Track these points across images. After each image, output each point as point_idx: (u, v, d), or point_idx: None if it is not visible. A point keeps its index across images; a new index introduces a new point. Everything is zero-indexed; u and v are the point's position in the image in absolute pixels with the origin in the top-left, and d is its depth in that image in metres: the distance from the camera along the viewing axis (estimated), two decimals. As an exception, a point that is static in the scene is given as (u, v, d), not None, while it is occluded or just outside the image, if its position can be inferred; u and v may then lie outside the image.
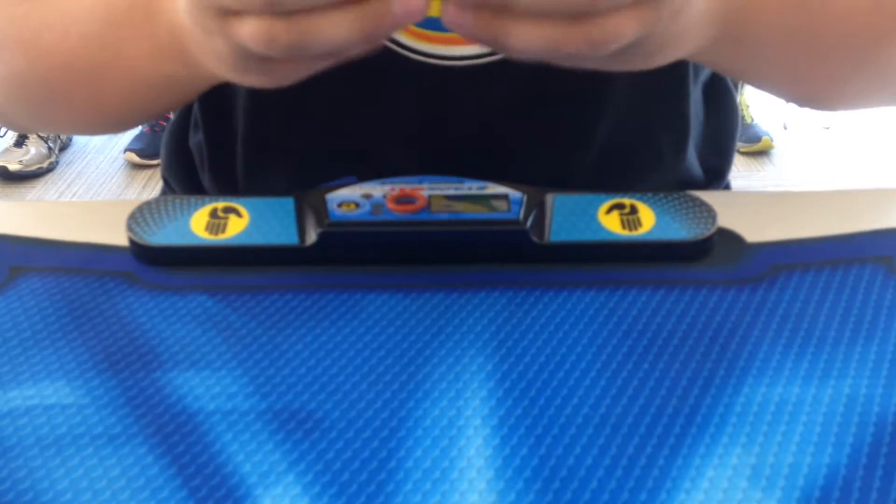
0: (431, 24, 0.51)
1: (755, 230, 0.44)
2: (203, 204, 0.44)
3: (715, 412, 0.33)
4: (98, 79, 0.45)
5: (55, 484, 0.29)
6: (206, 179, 0.61)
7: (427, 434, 0.31)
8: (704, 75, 0.59)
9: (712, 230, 0.43)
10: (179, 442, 0.31)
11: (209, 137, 0.61)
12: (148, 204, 0.44)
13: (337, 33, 0.30)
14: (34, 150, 2.06)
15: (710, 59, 0.45)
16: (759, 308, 0.39)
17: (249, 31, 0.31)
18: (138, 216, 0.43)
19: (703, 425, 0.32)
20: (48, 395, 0.33)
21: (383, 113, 0.53)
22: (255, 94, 0.54)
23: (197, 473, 0.29)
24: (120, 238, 0.43)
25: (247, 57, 0.33)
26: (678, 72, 0.54)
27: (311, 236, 0.42)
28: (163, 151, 0.65)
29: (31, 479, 0.29)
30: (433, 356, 0.35)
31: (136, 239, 0.42)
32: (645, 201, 0.44)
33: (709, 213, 0.44)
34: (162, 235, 0.42)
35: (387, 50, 0.51)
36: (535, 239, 0.42)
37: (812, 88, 0.47)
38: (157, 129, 2.14)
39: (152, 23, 0.41)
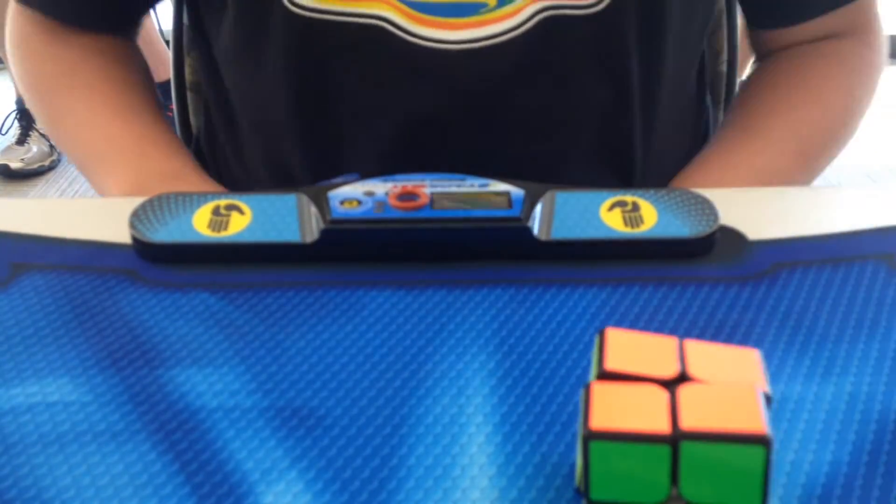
0: (429, 9, 0.52)
1: (757, 228, 0.44)
2: (206, 201, 0.44)
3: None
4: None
5: (58, 481, 0.29)
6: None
7: (429, 431, 0.31)
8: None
9: (714, 227, 0.43)
10: (182, 439, 0.31)
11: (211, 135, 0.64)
12: (150, 201, 0.44)
13: None
14: (36, 148, 2.06)
15: None
16: (761, 306, 0.39)
17: None
18: (141, 213, 0.43)
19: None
20: (51, 392, 0.33)
21: (380, 92, 0.54)
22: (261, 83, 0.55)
23: (199, 470, 0.29)
24: (122, 235, 0.43)
25: None
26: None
27: (314, 233, 0.42)
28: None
29: (34, 475, 0.29)
30: (435, 353, 0.36)
31: (138, 236, 0.42)
32: (647, 198, 0.44)
33: (711, 210, 0.43)
34: (164, 233, 0.42)
35: (385, 31, 0.52)
36: (537, 236, 0.42)
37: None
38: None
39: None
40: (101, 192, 0.57)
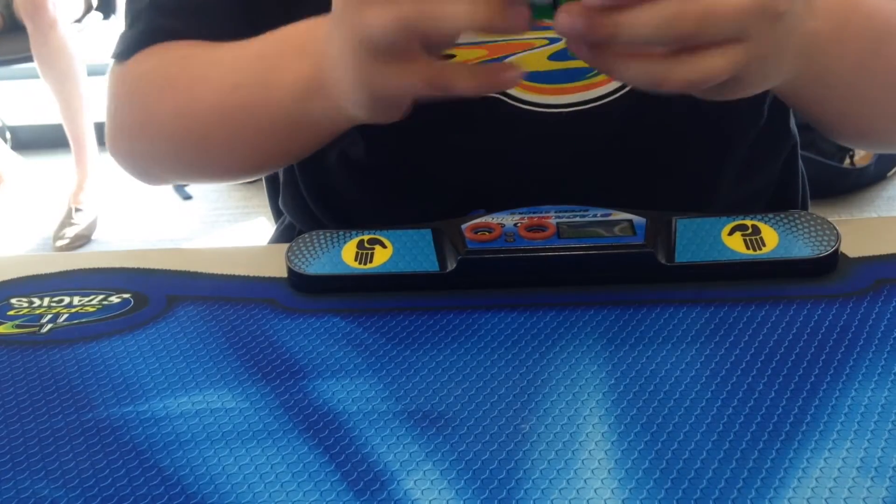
0: (538, 77, 0.55)
1: (856, 247, 0.46)
2: (351, 237, 0.48)
3: (823, 412, 0.34)
4: (241, 120, 0.50)
5: (227, 471, 0.33)
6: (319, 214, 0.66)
7: (549, 430, 0.34)
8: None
9: (836, 246, 0.44)
10: (329, 437, 0.35)
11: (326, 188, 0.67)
12: (304, 238, 0.49)
13: (456, 16, 0.35)
14: None
15: (788, 92, 0.49)
16: (864, 319, 0.40)
17: (378, 12, 0.36)
18: (295, 249, 0.48)
19: (812, 423, 0.34)
20: (213, 400, 0.38)
21: (495, 160, 0.57)
22: (372, 143, 0.59)
23: (347, 461, 0.33)
24: (259, 270, 0.48)
25: (373, 57, 0.38)
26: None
27: (451, 263, 0.45)
28: (283, 189, 0.71)
29: (206, 467, 0.34)
30: (553, 361, 0.39)
31: (295, 269, 0.47)
32: (766, 222, 0.46)
33: (830, 229, 0.45)
34: (317, 266, 0.46)
35: (497, 101, 0.55)
36: (662, 260, 0.44)
37: (869, 125, 0.52)
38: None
39: (301, 62, 0.46)
40: (274, 91, 0.48)
